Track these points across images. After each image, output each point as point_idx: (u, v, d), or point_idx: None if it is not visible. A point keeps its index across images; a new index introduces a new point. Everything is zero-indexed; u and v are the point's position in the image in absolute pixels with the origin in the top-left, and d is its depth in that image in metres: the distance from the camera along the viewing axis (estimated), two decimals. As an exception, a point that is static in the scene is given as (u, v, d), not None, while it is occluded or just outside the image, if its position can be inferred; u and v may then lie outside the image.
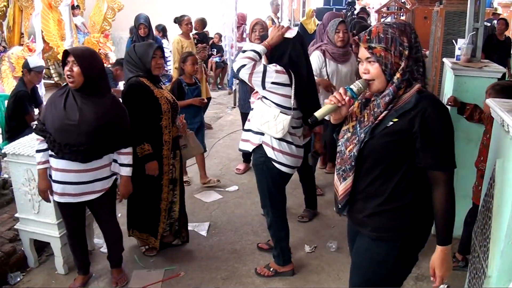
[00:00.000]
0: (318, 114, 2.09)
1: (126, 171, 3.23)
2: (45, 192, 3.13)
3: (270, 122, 3.12)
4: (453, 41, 4.43)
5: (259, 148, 3.27)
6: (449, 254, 2.03)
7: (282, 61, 3.14)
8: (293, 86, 3.10)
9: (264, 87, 3.08)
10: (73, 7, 7.87)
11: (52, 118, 2.95)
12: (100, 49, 8.74)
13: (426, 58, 6.53)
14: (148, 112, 3.45)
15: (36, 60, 5.33)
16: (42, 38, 6.90)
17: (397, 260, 2.14)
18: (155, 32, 8.33)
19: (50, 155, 3.04)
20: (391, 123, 1.96)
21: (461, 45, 4.16)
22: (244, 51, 3.11)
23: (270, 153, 3.22)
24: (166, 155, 3.59)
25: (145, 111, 3.43)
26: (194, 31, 7.67)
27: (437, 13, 6.67)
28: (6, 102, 5.08)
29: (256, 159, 3.35)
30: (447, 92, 4.12)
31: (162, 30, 8.29)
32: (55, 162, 3.02)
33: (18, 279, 3.50)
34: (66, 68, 2.93)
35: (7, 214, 4.08)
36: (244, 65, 3.03)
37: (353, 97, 2.07)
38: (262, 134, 3.23)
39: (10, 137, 4.72)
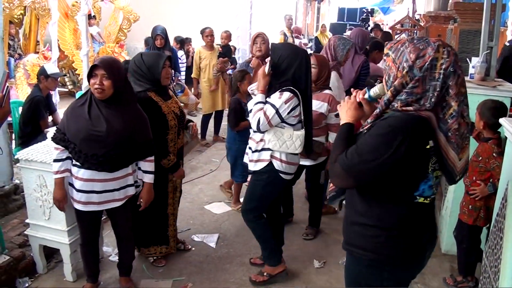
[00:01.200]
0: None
1: (149, 178, 3.26)
2: (61, 201, 3.12)
3: (287, 142, 3.24)
4: (467, 59, 4.43)
5: (269, 162, 3.32)
6: None
7: (286, 76, 3.22)
8: (301, 104, 3.24)
9: (285, 122, 3.23)
10: (89, 17, 7.94)
11: (77, 128, 2.93)
12: (115, 59, 8.82)
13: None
14: (155, 128, 3.38)
15: (53, 67, 5.38)
16: (58, 46, 6.97)
17: (369, 282, 2.10)
18: (172, 43, 8.42)
19: (74, 165, 3.04)
20: (365, 130, 1.97)
21: (475, 63, 4.16)
22: (251, 110, 3.27)
23: (278, 165, 3.31)
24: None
25: (152, 128, 3.35)
26: (219, 43, 7.73)
27: (451, 31, 6.68)
28: (20, 108, 5.12)
29: (259, 171, 3.37)
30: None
31: (180, 42, 8.35)
32: (80, 172, 3.01)
33: (27, 285, 3.50)
34: (95, 81, 2.89)
35: (18, 220, 4.09)
36: (259, 121, 3.19)
37: (369, 98, 2.10)
38: (270, 150, 3.29)
39: (23, 143, 4.75)
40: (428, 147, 1.86)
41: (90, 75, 2.92)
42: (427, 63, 1.81)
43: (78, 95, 6.73)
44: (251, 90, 3.50)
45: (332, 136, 3.99)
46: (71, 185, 3.09)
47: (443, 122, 1.87)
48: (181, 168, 3.69)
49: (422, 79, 1.82)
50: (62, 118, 3.08)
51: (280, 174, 3.33)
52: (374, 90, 2.07)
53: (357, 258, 2.08)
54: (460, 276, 3.64)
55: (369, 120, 1.99)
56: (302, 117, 3.32)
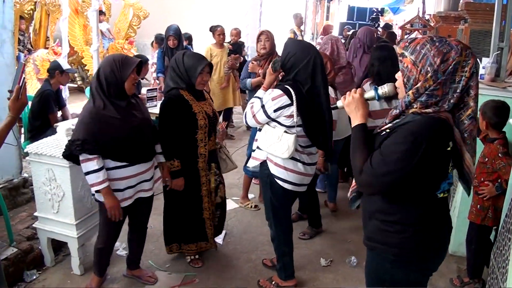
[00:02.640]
0: (339, 104, 2.20)
1: (163, 157, 3.39)
2: (118, 208, 3.03)
3: (275, 143, 3.10)
4: (478, 60, 4.39)
5: (264, 162, 3.26)
6: None
7: (289, 75, 3.12)
8: (294, 104, 3.02)
9: (271, 118, 3.09)
10: (99, 13, 7.98)
11: (115, 130, 2.89)
12: (124, 55, 8.86)
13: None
14: (184, 127, 3.40)
15: (64, 63, 5.42)
16: (68, 42, 7.01)
17: (395, 277, 2.09)
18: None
19: (113, 168, 2.98)
20: (384, 132, 1.96)
21: (486, 64, 4.14)
22: (245, 114, 3.25)
23: (273, 169, 3.22)
24: (202, 167, 3.54)
25: (180, 126, 3.38)
26: (229, 41, 7.72)
27: (462, 32, 6.64)
28: (30, 102, 5.15)
29: (261, 172, 3.34)
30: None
31: (188, 38, 8.35)
32: (120, 172, 3.00)
33: (34, 277, 3.52)
34: (135, 76, 2.96)
35: (26, 213, 4.13)
36: (245, 115, 3.21)
37: (377, 97, 2.08)
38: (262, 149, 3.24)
39: (33, 137, 4.78)
40: (449, 149, 1.87)
41: (129, 74, 2.90)
42: (450, 67, 1.81)
43: (87, 90, 6.78)
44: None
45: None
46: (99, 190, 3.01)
47: (460, 124, 1.89)
48: (181, 179, 3.47)
49: (443, 82, 1.82)
50: (82, 127, 2.87)
51: (278, 181, 3.21)
52: (384, 91, 2.04)
53: (380, 254, 2.08)
54: (467, 277, 3.63)
55: (387, 121, 1.98)
56: (298, 120, 3.07)
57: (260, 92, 3.20)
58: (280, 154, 3.09)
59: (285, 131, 3.07)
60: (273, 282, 3.56)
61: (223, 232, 4.33)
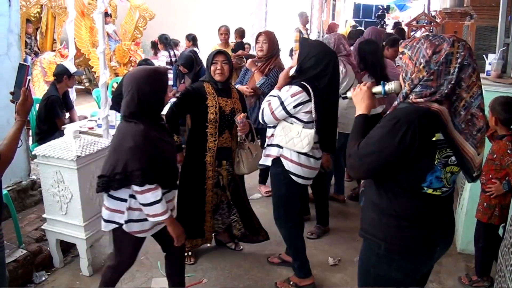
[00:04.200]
0: (349, 94, 2.32)
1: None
2: (183, 235, 2.81)
3: (294, 139, 3.15)
4: (484, 56, 4.38)
5: (277, 160, 3.28)
6: None
7: (306, 74, 3.14)
8: (313, 100, 3.09)
9: (290, 115, 3.14)
10: (105, 15, 8.01)
11: (166, 154, 2.69)
12: (131, 57, 8.90)
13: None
14: (196, 119, 3.53)
15: (71, 66, 5.44)
16: (74, 44, 7.04)
17: (378, 271, 2.11)
18: (185, 42, 8.43)
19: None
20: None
21: (492, 60, 4.12)
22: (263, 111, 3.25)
23: (288, 165, 3.24)
24: (209, 161, 3.56)
25: (193, 117, 3.54)
26: (233, 41, 7.73)
27: (468, 28, 6.60)
28: (37, 105, 5.18)
29: (274, 169, 3.35)
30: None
31: (193, 39, 8.36)
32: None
33: (43, 279, 3.55)
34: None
35: (35, 215, 4.15)
36: (263, 112, 3.20)
37: (383, 93, 2.18)
38: (281, 147, 3.24)
39: (40, 139, 4.81)
40: (434, 139, 1.87)
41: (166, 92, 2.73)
42: (442, 57, 1.85)
43: (94, 92, 6.81)
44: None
45: None
46: (133, 220, 2.73)
47: (456, 115, 1.91)
48: (180, 154, 3.59)
49: (437, 73, 1.86)
50: (138, 154, 2.52)
51: (292, 176, 3.24)
52: (390, 87, 2.12)
53: (370, 245, 2.12)
54: (475, 275, 3.62)
55: (388, 112, 2.03)
56: (315, 116, 3.14)
57: (274, 91, 3.25)
58: (300, 149, 3.16)
59: (304, 127, 3.15)
60: (291, 283, 3.54)
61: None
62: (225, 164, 3.68)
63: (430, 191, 1.96)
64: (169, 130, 2.93)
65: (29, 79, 2.37)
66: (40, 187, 3.74)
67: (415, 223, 2.00)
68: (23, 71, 2.38)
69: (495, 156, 3.34)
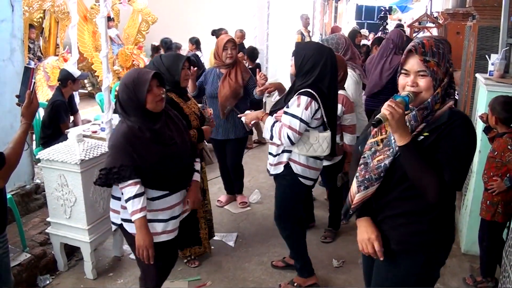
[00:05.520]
0: (381, 115, 1.87)
1: (197, 176, 2.99)
2: (150, 247, 2.58)
3: (314, 145, 3.18)
4: (486, 56, 4.38)
5: (287, 164, 3.28)
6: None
7: (311, 76, 3.13)
8: (321, 106, 3.13)
9: (308, 124, 3.14)
10: (108, 19, 8.04)
11: (155, 152, 2.60)
12: (133, 61, 8.91)
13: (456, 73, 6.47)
14: None
15: (74, 69, 5.46)
16: (77, 49, 7.06)
17: (421, 276, 2.12)
18: (188, 45, 8.44)
19: (157, 198, 2.67)
20: (422, 137, 1.95)
21: (494, 60, 4.11)
22: (272, 137, 3.22)
23: (296, 169, 3.25)
24: None
25: None
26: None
27: (470, 28, 6.58)
28: (41, 109, 5.19)
29: (281, 172, 3.34)
30: (479, 108, 4.06)
31: (196, 42, 8.37)
32: (163, 203, 2.70)
33: (47, 282, 3.56)
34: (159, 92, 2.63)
35: (39, 218, 4.17)
36: (289, 138, 3.11)
37: (405, 103, 1.89)
38: (289, 151, 3.24)
39: (45, 143, 4.82)
40: None
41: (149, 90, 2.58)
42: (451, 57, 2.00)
43: (97, 96, 6.82)
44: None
45: (347, 137, 3.94)
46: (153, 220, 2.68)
47: None
48: (207, 128, 3.63)
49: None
50: (116, 155, 2.54)
51: (299, 178, 3.27)
52: (410, 97, 1.93)
53: (413, 256, 2.10)
54: (480, 276, 3.61)
55: (418, 123, 1.96)
56: (325, 119, 3.19)
57: (280, 112, 3.22)
58: (321, 153, 3.21)
59: (319, 131, 3.20)
60: (295, 284, 3.55)
61: (235, 234, 4.35)
62: (204, 166, 3.73)
63: None
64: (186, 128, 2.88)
65: (34, 82, 2.38)
66: (44, 191, 3.75)
67: (452, 224, 2.14)
68: (28, 73, 2.39)
69: (495, 153, 3.34)
